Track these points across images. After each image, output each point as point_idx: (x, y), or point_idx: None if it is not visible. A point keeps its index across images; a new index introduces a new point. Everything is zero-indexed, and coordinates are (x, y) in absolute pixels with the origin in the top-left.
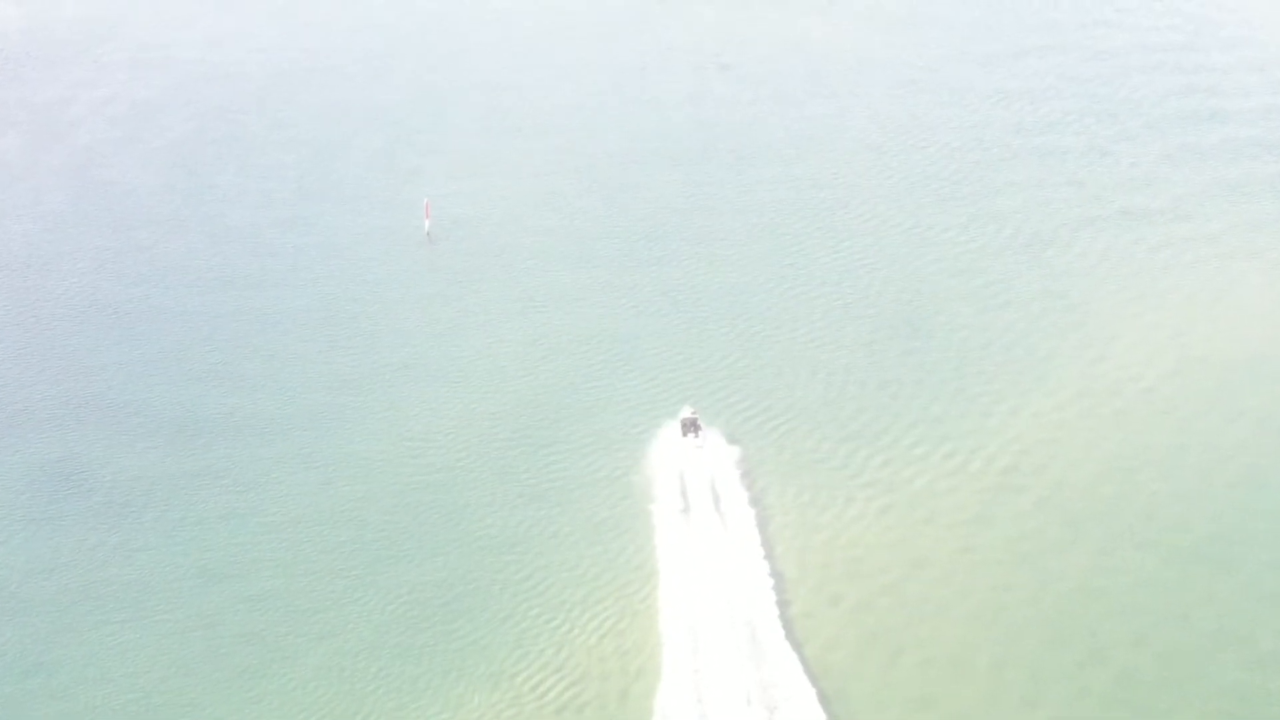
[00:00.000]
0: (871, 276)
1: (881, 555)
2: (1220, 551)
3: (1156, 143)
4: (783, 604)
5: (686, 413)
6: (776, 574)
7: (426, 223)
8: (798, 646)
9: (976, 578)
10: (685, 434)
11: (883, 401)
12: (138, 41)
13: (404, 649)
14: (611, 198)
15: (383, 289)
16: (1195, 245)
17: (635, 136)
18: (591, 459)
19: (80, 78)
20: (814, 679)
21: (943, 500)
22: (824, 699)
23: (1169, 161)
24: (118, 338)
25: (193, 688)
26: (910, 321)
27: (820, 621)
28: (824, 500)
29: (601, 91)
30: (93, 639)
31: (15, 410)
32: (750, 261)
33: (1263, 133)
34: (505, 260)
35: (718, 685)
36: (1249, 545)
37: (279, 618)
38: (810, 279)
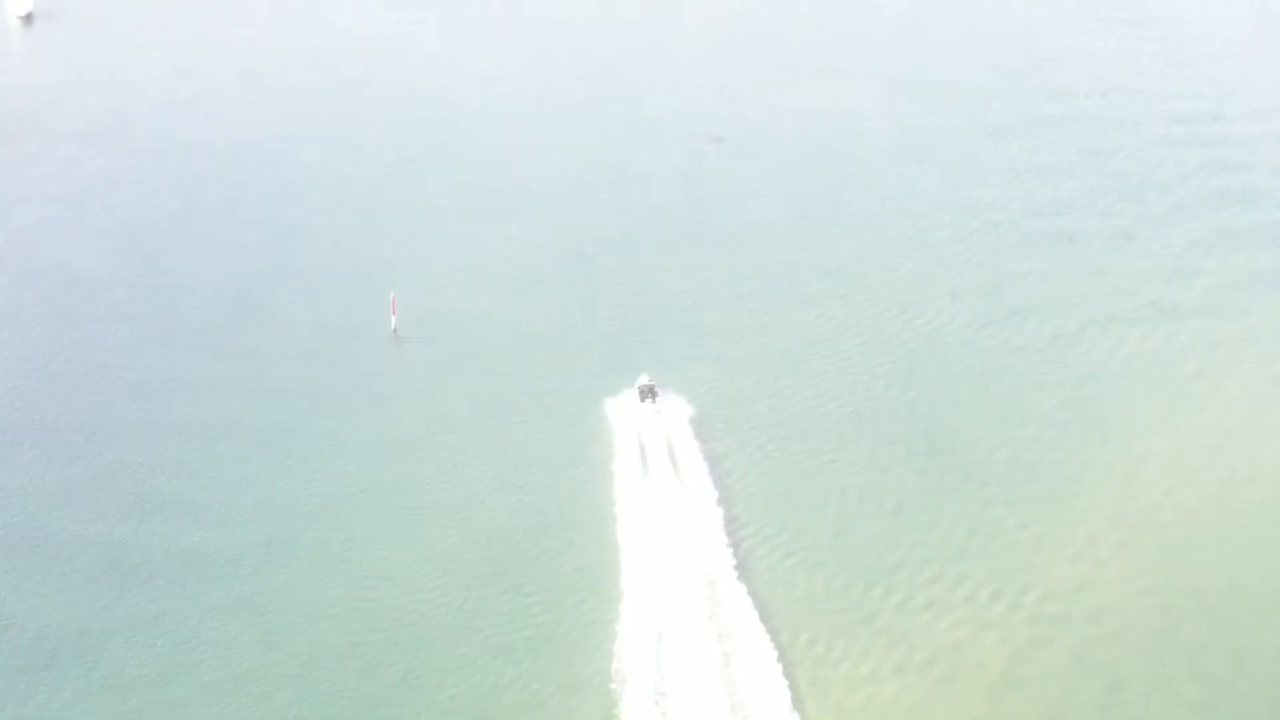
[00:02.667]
0: (881, 380)
1: None
2: None
3: (1185, 226)
4: None
5: None
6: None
7: (393, 319)
8: None
9: None
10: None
11: (895, 531)
12: (89, 109)
13: None
14: (596, 288)
15: (344, 397)
16: (1231, 344)
17: (622, 218)
18: (573, 608)
19: (23, 150)
20: None
21: (964, 655)
22: None
23: (1199, 247)
24: (44, 457)
25: None
26: (925, 435)
27: None
28: (833, 653)
29: (585, 167)
30: None
31: None
32: (746, 361)
33: None
34: (480, 362)
35: None
36: None
37: None
38: (812, 384)
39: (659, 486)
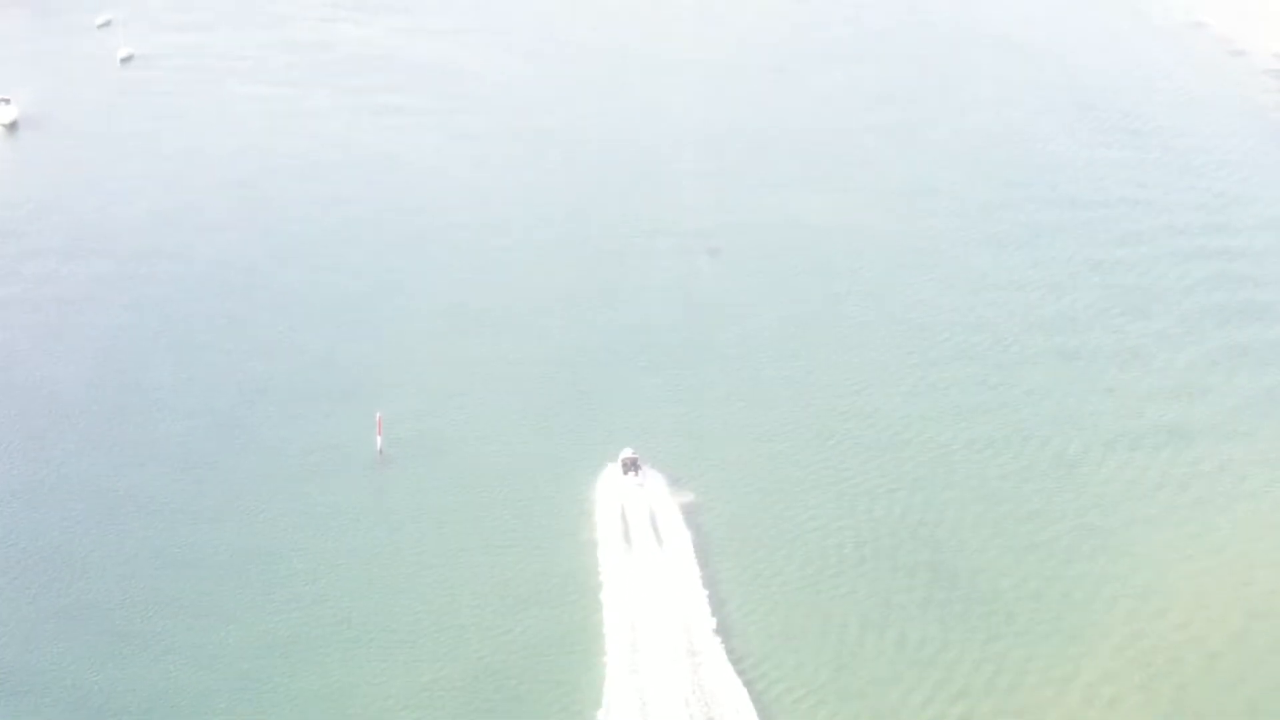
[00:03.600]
0: (882, 501)
1: None
2: None
3: (1193, 342)
4: None
5: None
6: None
7: (378, 440)
8: None
9: None
10: None
11: (899, 668)
12: (75, 220)
13: None
14: (589, 409)
15: (327, 522)
16: (1244, 468)
17: (616, 333)
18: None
19: (7, 264)
20: None
21: None
22: None
23: (1208, 365)
24: (13, 587)
25: None
26: (930, 562)
27: None
28: None
29: (577, 279)
30: None
31: None
32: (744, 485)
33: None
34: (467, 486)
35: None
36: None
37: None
38: (811, 505)
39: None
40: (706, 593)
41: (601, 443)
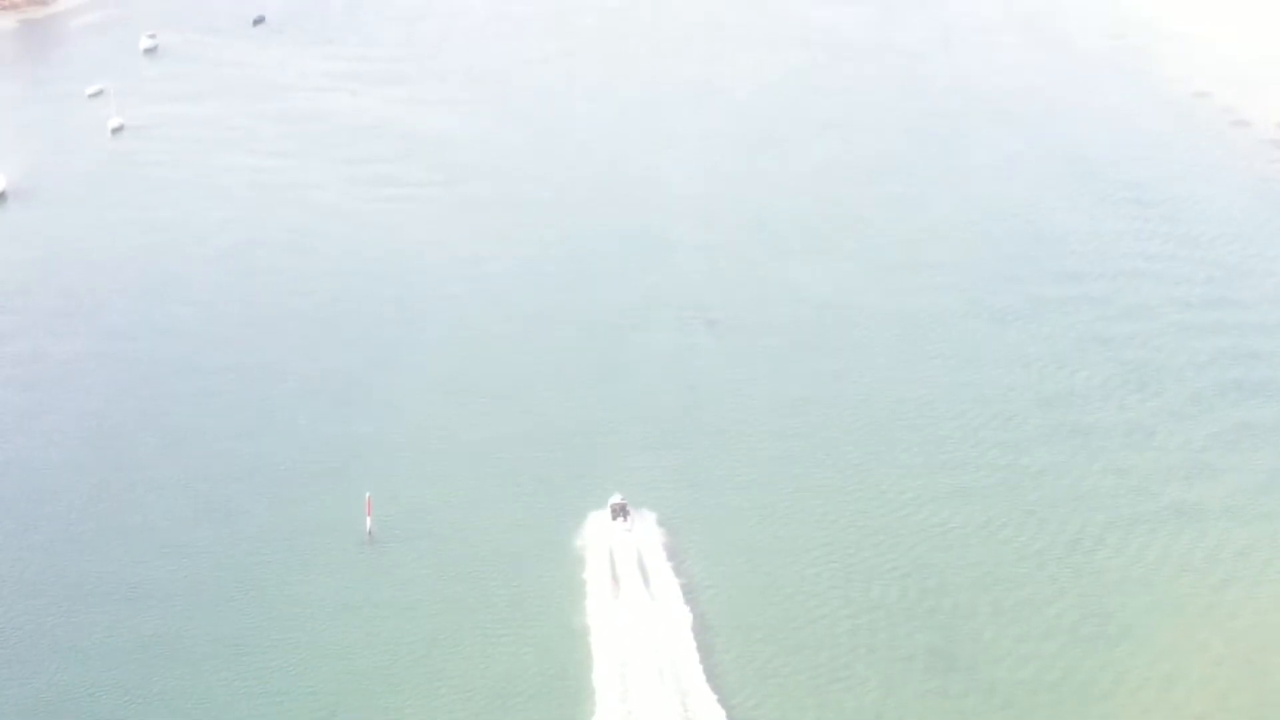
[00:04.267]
0: (889, 585)
1: None
2: None
3: (1204, 420)
4: None
5: None
6: None
7: (368, 520)
8: None
9: None
10: None
11: None
12: (61, 293)
13: None
14: (583, 486)
15: (314, 610)
16: (1259, 551)
17: (611, 405)
18: None
19: None
20: None
21: None
22: None
23: (1220, 444)
24: None
25: None
26: (937, 649)
27: None
28: None
29: (574, 352)
30: None
31: None
32: (745, 566)
33: None
34: (459, 568)
35: None
36: None
37: None
38: (815, 590)
39: None
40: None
41: (590, 509)
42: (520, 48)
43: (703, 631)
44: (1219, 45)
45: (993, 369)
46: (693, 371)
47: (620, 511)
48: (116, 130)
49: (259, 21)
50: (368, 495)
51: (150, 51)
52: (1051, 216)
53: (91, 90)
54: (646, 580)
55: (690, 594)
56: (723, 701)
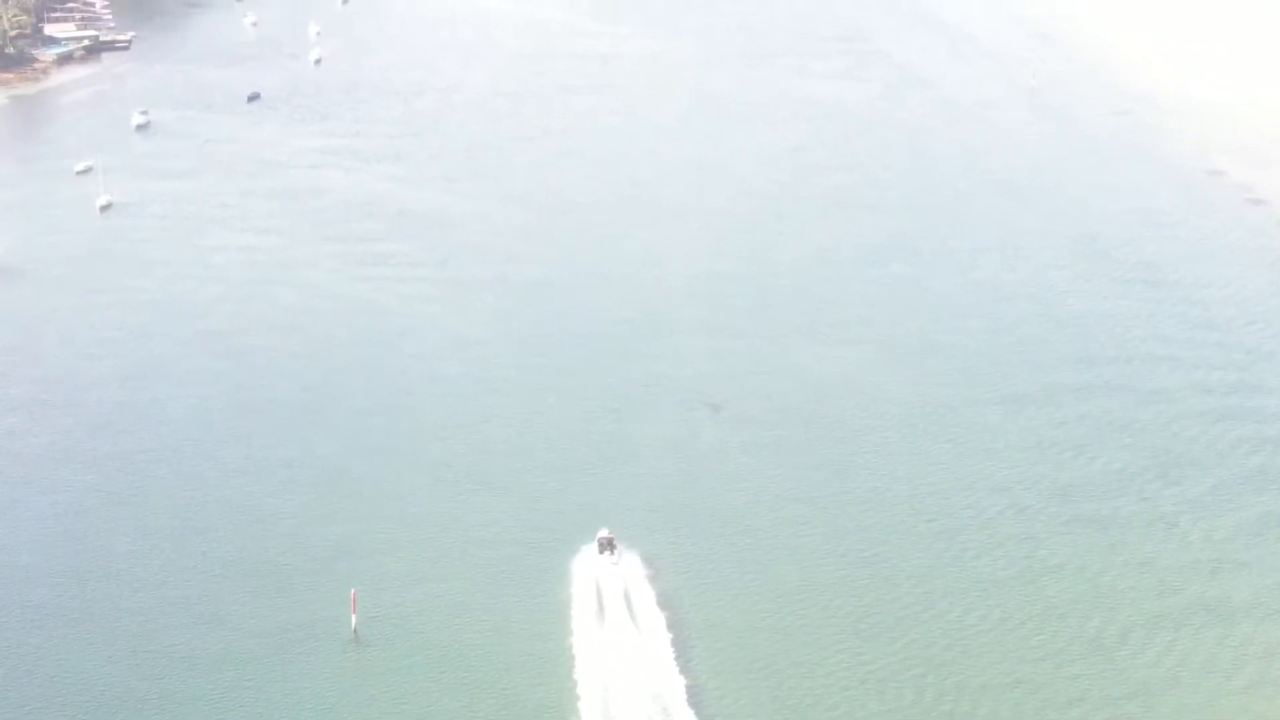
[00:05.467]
0: (906, 688)
1: None
2: None
3: (1227, 510)
4: None
5: None
6: None
7: (353, 618)
8: None
9: None
10: None
11: None
12: (42, 375)
13: None
14: (580, 584)
15: (296, 712)
16: None
17: (608, 495)
18: None
19: None
20: None
21: None
22: None
23: (1244, 535)
24: None
25: None
26: None
27: None
28: None
29: (572, 437)
30: None
31: None
32: (750, 664)
33: None
34: (450, 672)
35: None
36: None
37: None
38: (828, 695)
39: None
40: None
41: (587, 606)
42: (518, 124)
43: None
44: (1231, 121)
45: (1007, 457)
46: (695, 459)
47: (607, 545)
48: (105, 208)
49: (254, 98)
50: (353, 591)
51: (142, 128)
52: (1064, 298)
53: (80, 167)
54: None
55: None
56: None
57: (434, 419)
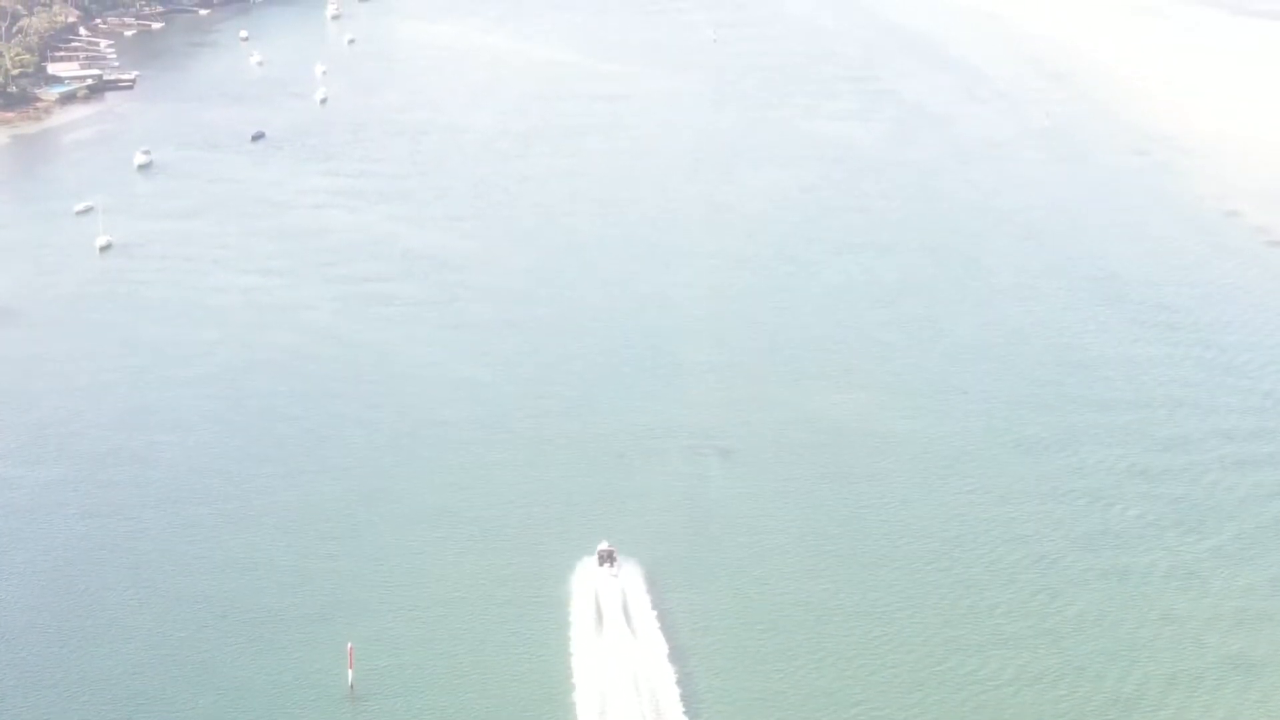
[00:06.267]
0: None
1: None
2: None
3: (1255, 561)
4: None
5: None
6: None
7: (349, 673)
8: None
9: None
10: None
11: None
12: (37, 419)
13: None
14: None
15: None
16: None
17: (614, 542)
18: None
19: None
20: None
21: None
22: None
23: (1270, 587)
24: None
25: None
26: None
27: None
28: None
29: (578, 484)
30: None
31: None
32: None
33: None
34: None
35: None
36: None
37: None
38: None
39: None
40: None
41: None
42: (525, 164)
43: None
44: (1248, 162)
45: (1026, 504)
46: (704, 503)
47: (607, 558)
48: (104, 248)
49: (258, 138)
50: (349, 645)
51: (145, 168)
52: (1081, 340)
53: (79, 207)
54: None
55: None
56: None
57: (436, 463)
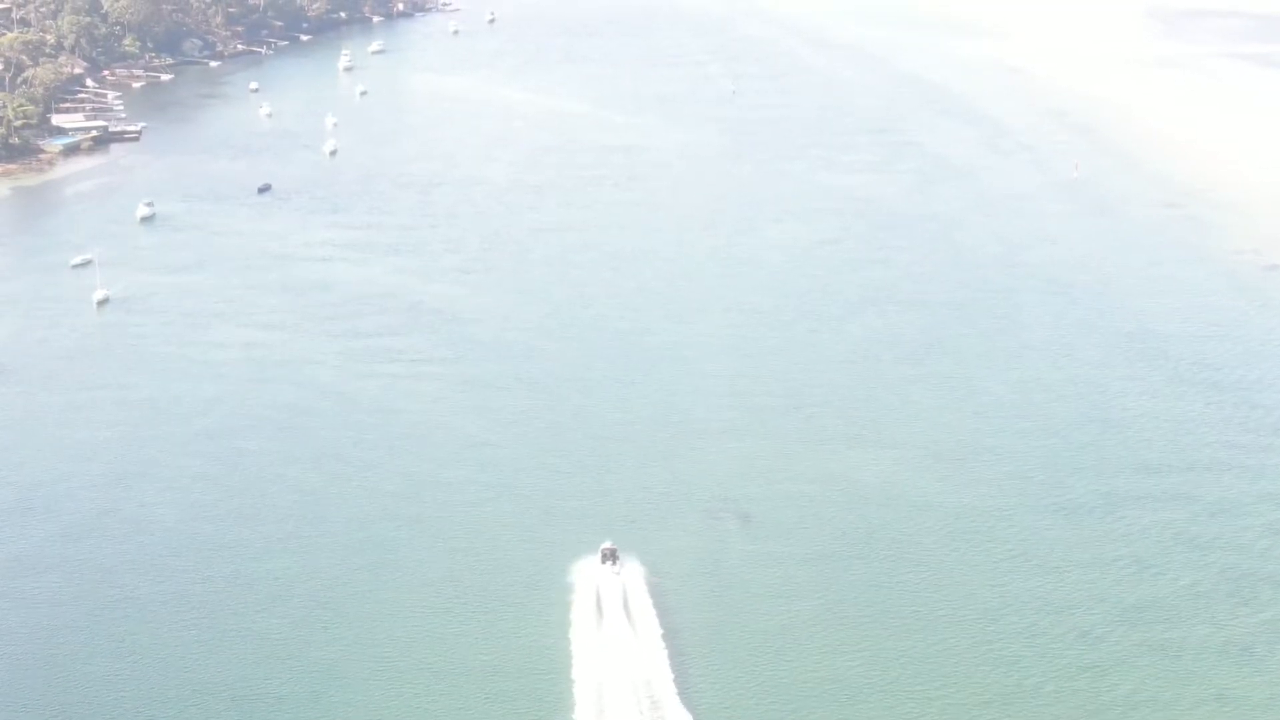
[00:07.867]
0: None
1: None
2: None
3: None
4: None
5: None
6: None
7: None
8: None
9: None
10: None
11: None
12: (27, 479)
13: None
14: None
15: None
16: None
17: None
18: None
19: None
20: None
21: None
22: None
23: None
24: None
25: None
26: None
27: None
28: None
29: (585, 548)
30: None
31: None
32: None
33: None
34: None
35: None
36: None
37: None
38: None
39: None
40: None
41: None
42: (537, 217)
43: None
44: None
45: (1067, 574)
46: (724, 576)
47: (610, 556)
48: (102, 302)
49: (264, 190)
50: None
51: (147, 220)
52: (1119, 399)
53: (77, 260)
54: None
55: None
56: None
57: (438, 529)
